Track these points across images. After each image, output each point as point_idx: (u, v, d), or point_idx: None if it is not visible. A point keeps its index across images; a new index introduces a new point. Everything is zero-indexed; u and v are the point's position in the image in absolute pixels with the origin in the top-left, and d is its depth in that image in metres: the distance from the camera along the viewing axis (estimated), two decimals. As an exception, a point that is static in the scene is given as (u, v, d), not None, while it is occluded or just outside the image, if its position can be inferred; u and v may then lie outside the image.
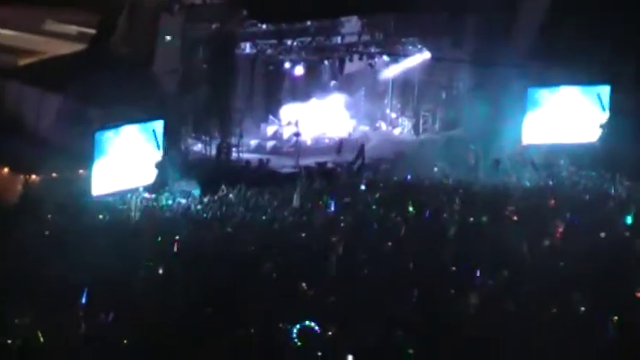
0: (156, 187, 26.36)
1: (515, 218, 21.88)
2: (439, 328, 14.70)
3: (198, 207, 24.73)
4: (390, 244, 20.00)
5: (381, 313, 15.41)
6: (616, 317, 14.30)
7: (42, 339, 14.35)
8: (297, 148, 31.91)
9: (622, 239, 19.46)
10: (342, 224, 22.11)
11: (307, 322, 14.04)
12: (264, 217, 22.79)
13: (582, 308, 14.97)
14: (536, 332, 14.34)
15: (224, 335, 14.44)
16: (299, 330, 13.98)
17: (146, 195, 25.71)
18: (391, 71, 35.01)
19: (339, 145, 32.10)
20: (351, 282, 17.03)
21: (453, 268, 17.79)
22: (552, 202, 23.69)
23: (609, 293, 15.43)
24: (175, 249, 19.45)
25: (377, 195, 24.71)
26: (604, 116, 31.04)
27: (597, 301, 15.05)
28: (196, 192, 26.29)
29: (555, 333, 14.34)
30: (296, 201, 23.77)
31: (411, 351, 13.95)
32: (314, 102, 34.09)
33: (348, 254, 19.05)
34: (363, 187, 25.03)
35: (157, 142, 27.14)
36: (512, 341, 14.01)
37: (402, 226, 21.57)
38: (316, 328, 14.05)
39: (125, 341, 14.47)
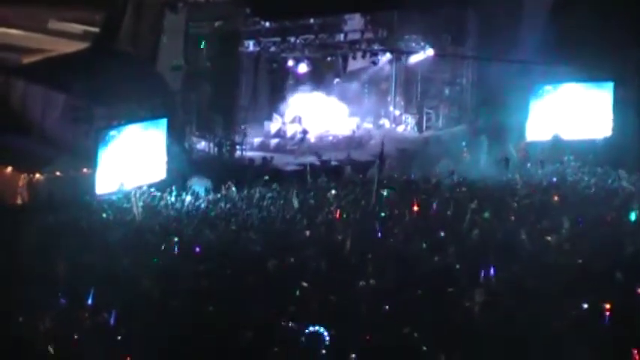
0: (162, 185, 26.36)
1: (520, 215, 21.87)
2: (445, 325, 14.72)
3: (202, 204, 24.73)
4: (395, 240, 20.00)
5: (387, 311, 15.43)
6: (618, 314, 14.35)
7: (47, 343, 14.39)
8: (304, 146, 32.00)
9: (627, 235, 19.45)
10: (347, 222, 22.11)
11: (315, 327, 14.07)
12: (267, 215, 22.80)
13: (585, 305, 14.98)
14: (543, 330, 14.37)
15: (227, 334, 14.47)
16: (308, 334, 14.00)
17: (151, 193, 25.69)
18: (394, 68, 35.07)
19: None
20: (356, 280, 17.03)
21: (458, 266, 17.79)
22: (557, 198, 23.68)
23: (613, 289, 15.45)
24: (176, 250, 19.48)
25: (384, 192, 24.68)
26: (608, 112, 31.06)
27: (601, 298, 15.06)
28: (200, 190, 26.27)
29: (561, 330, 14.37)
30: (295, 202, 23.80)
31: (424, 348, 13.97)
32: (317, 95, 34.11)
33: (353, 252, 19.04)
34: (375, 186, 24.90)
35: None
36: (519, 339, 14.04)
37: (408, 223, 21.59)
38: (324, 332, 14.07)
39: (128, 339, 14.51)
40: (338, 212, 22.77)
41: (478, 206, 22.25)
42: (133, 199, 23.63)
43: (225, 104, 31.50)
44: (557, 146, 29.97)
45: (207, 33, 31.22)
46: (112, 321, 15.09)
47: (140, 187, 25.13)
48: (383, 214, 22.53)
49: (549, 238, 19.37)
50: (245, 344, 14.23)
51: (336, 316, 15.04)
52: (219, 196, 25.59)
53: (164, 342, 14.34)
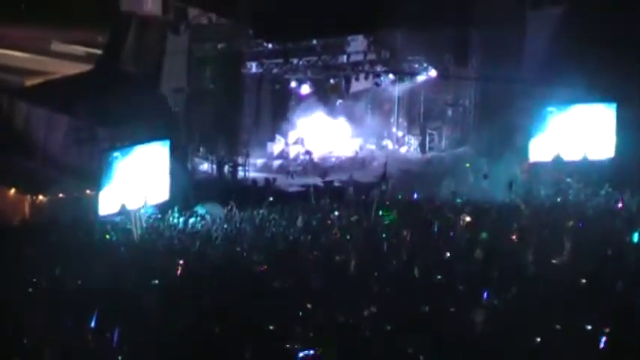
0: (165, 206, 26.36)
1: (522, 236, 21.85)
2: (446, 345, 14.70)
3: (205, 225, 24.73)
4: (398, 262, 19.99)
5: (389, 330, 15.41)
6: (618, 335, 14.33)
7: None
8: (308, 167, 32.04)
9: (628, 256, 19.46)
10: (351, 242, 22.11)
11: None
12: (270, 236, 22.81)
13: (589, 327, 14.96)
14: (542, 350, 14.35)
15: (230, 354, 14.46)
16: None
17: (153, 215, 25.70)
18: (397, 89, 35.10)
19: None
20: (359, 300, 17.02)
21: (461, 288, 17.78)
22: (559, 219, 23.68)
23: (613, 310, 15.44)
24: (179, 271, 19.49)
25: (389, 215, 24.69)
26: (611, 133, 31.05)
27: (601, 318, 15.05)
28: (202, 210, 26.26)
29: (560, 350, 14.35)
30: (300, 221, 23.84)
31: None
32: (320, 116, 34.14)
33: (357, 272, 19.05)
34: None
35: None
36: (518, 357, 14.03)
37: (410, 244, 21.59)
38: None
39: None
40: (339, 233, 22.78)
41: (480, 226, 22.26)
42: (133, 220, 23.67)
43: (227, 125, 31.52)
44: (559, 167, 29.93)
45: (210, 55, 31.29)
46: (114, 340, 15.11)
47: (141, 209, 25.16)
48: (385, 235, 22.52)
49: (552, 258, 19.37)
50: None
51: (337, 335, 15.04)
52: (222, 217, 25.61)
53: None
